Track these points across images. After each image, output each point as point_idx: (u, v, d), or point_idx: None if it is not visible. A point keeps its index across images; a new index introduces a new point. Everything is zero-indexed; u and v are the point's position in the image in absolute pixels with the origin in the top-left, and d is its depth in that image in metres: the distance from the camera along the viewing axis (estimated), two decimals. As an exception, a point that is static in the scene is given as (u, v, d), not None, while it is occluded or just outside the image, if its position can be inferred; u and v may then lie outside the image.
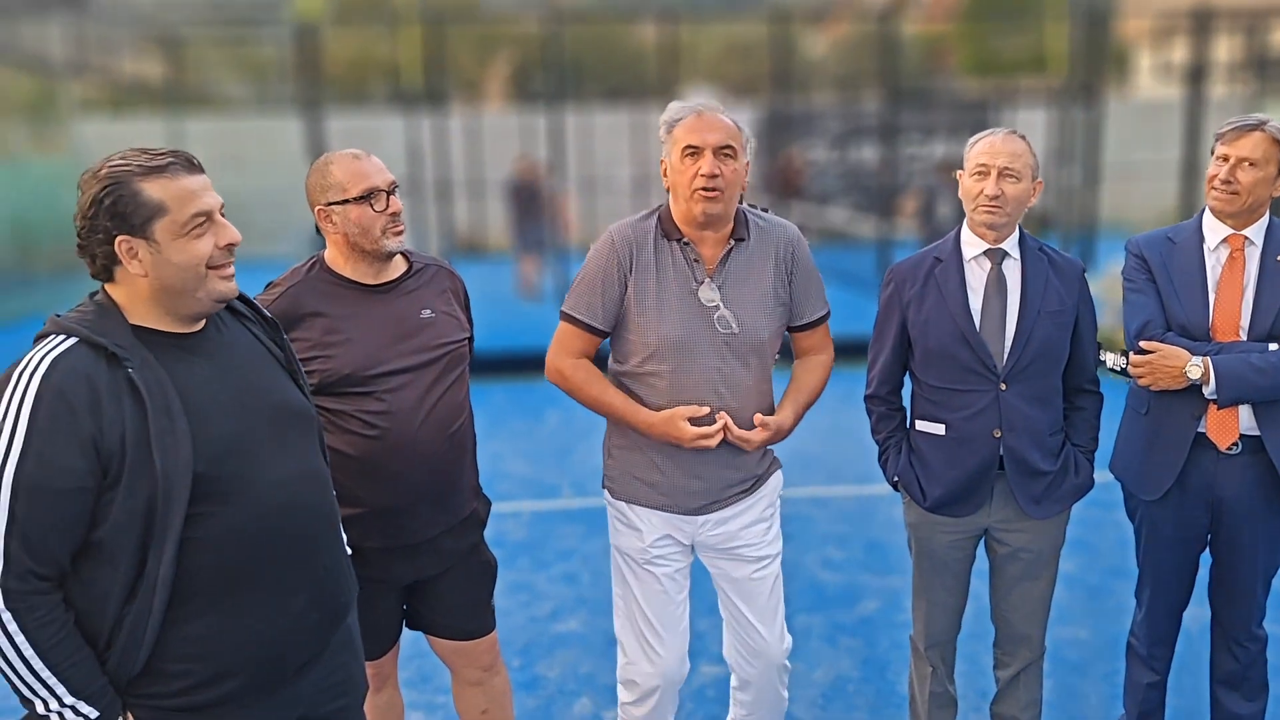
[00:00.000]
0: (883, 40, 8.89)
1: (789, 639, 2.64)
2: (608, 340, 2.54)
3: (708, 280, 2.42)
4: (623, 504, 2.56)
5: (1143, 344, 2.55)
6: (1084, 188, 10.15)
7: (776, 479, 2.63)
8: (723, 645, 2.71)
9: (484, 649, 2.62)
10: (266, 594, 1.74)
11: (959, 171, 2.60)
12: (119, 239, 1.64)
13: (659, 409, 2.42)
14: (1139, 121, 16.11)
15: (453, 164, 15.58)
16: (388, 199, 2.32)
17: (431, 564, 2.47)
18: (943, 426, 2.60)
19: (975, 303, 2.56)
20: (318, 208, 2.35)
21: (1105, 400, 2.67)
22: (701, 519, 2.51)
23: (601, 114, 16.69)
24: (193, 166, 1.70)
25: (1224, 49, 13.59)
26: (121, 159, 1.66)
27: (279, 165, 13.10)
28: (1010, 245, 2.57)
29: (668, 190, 2.46)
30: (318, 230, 2.39)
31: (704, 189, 2.33)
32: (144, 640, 1.63)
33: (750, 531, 2.54)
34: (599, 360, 2.52)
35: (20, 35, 12.25)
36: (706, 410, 2.38)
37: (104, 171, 1.65)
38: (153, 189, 1.64)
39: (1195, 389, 2.50)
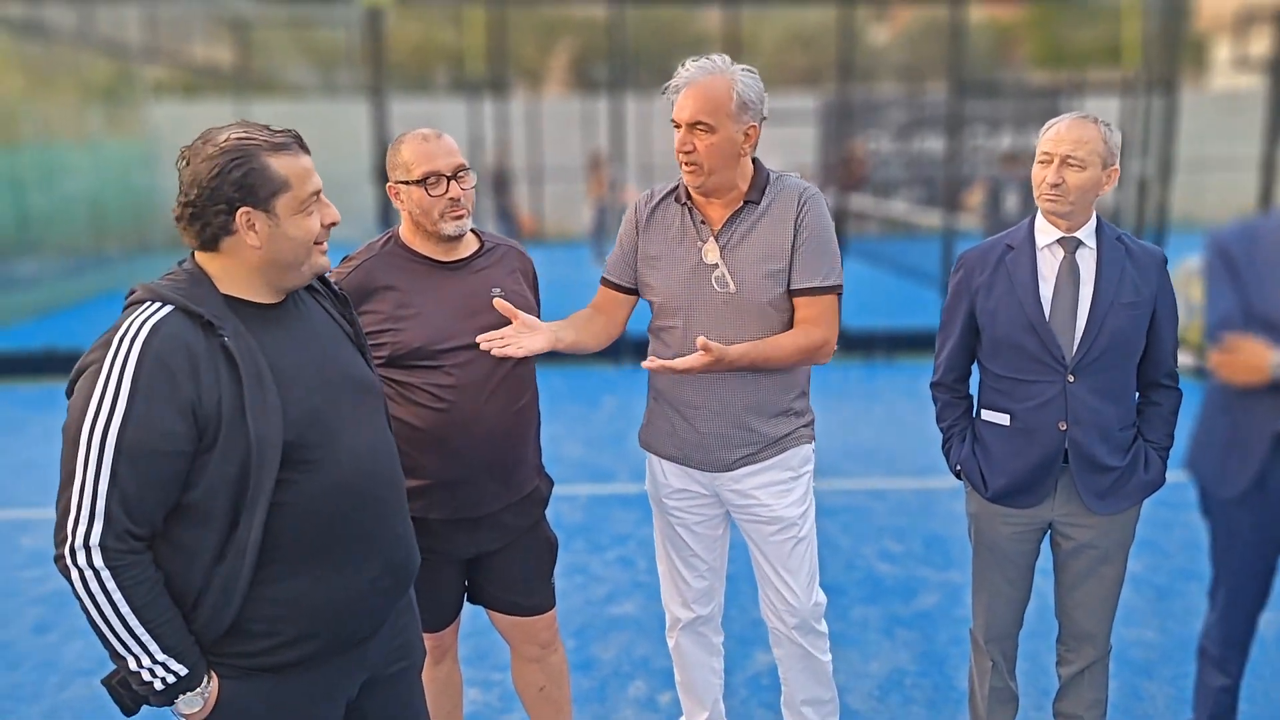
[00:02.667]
0: (950, 28, 8.73)
1: (820, 598, 2.67)
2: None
3: (711, 240, 2.45)
4: (649, 454, 2.68)
5: (1227, 338, 2.47)
6: (1157, 181, 9.87)
7: (803, 453, 2.59)
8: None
9: (543, 626, 2.64)
10: (345, 558, 1.79)
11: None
12: (241, 210, 1.68)
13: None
14: (1215, 114, 15.66)
15: (514, 150, 15.66)
16: (449, 183, 2.34)
17: (493, 538, 2.50)
18: (1007, 416, 2.55)
19: (1046, 292, 2.50)
20: (388, 184, 2.40)
21: (1184, 397, 2.60)
22: (714, 475, 2.56)
23: (662, 101, 16.66)
24: (305, 146, 1.76)
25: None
26: (244, 133, 1.69)
27: (343, 149, 13.28)
28: (1085, 234, 2.51)
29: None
30: (386, 210, 2.44)
31: (683, 163, 2.39)
32: (233, 601, 1.68)
33: (766, 492, 2.55)
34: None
35: (97, 19, 12.57)
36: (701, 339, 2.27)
37: (229, 144, 1.68)
38: (279, 164, 1.69)
39: (1277, 386, 2.42)
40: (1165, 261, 2.56)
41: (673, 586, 2.77)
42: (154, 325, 1.63)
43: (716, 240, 2.45)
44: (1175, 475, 2.65)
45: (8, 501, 5.36)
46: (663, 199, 2.55)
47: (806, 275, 2.44)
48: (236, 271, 1.74)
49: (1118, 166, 2.51)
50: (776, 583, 2.62)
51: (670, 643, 2.86)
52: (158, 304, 1.67)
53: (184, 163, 1.70)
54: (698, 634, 2.81)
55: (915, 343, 8.18)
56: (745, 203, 2.46)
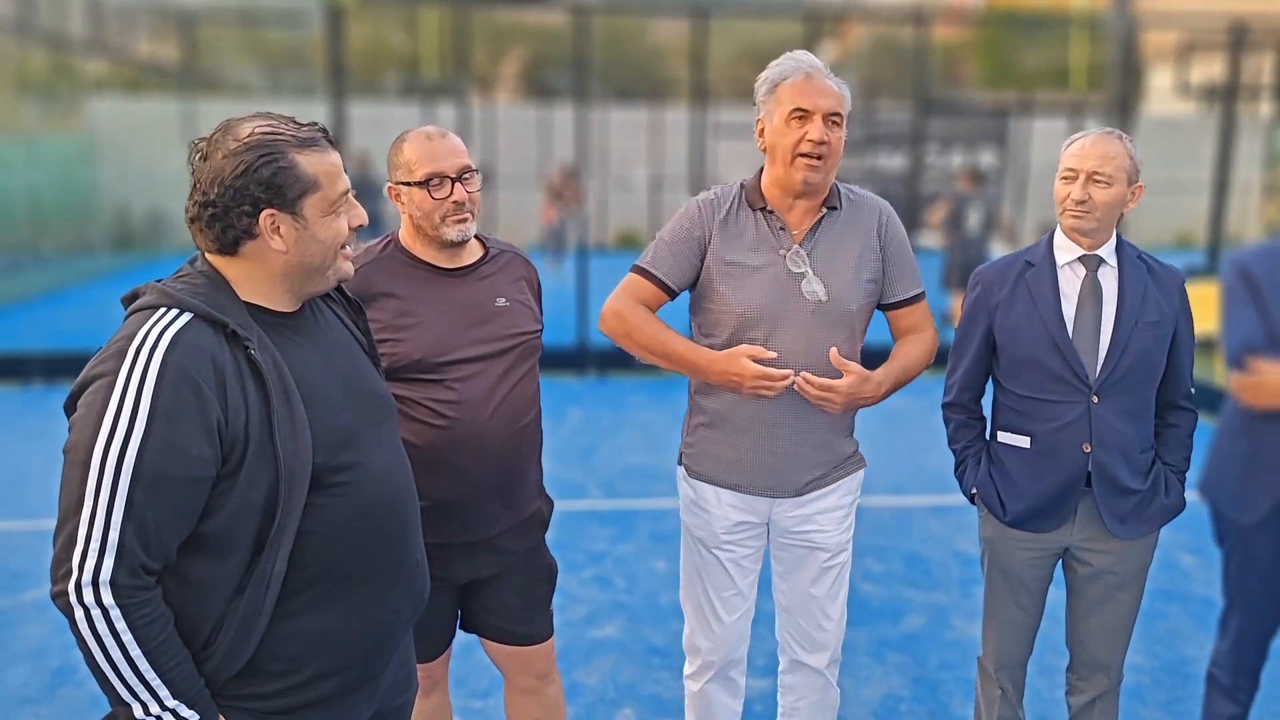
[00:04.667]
0: (914, 50, 8.77)
1: (844, 629, 2.57)
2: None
3: (796, 247, 2.32)
4: (698, 483, 2.47)
5: (1250, 361, 2.43)
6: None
7: (858, 478, 2.53)
8: (776, 628, 2.62)
9: (540, 655, 2.49)
10: (370, 587, 1.65)
11: (1056, 173, 2.48)
12: (266, 212, 1.53)
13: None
14: (1155, 139, 16.03)
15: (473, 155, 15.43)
16: (454, 186, 2.20)
17: (492, 563, 2.35)
18: (1028, 439, 2.48)
19: (1068, 310, 2.44)
20: (387, 185, 2.25)
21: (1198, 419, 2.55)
22: (777, 501, 2.43)
23: (617, 111, 16.60)
24: (333, 141, 1.61)
25: (1250, 69, 13.49)
26: (270, 126, 1.54)
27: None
28: (1106, 252, 2.45)
29: (762, 151, 2.36)
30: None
31: (809, 154, 2.24)
32: (251, 639, 1.52)
33: (827, 517, 2.45)
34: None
35: (38, 10, 12.12)
36: (774, 355, 2.25)
37: (255, 138, 1.52)
38: (308, 162, 1.55)
39: (1299, 409, 2.38)
40: (1184, 281, 2.51)
41: (706, 628, 2.53)
42: (175, 334, 1.46)
43: (800, 247, 2.33)
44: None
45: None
46: (731, 204, 2.38)
47: (905, 285, 2.43)
48: (258, 277, 1.58)
49: (1142, 184, 2.45)
50: (816, 614, 2.49)
51: (693, 688, 2.61)
52: (175, 310, 1.50)
53: (200, 157, 1.53)
54: (728, 679, 2.59)
55: (882, 359, 8.18)
56: (828, 209, 2.35)
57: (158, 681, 1.45)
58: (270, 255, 1.56)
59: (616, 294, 2.40)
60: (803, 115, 2.24)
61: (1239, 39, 8.94)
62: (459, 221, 2.22)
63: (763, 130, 2.33)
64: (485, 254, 2.34)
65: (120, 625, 1.42)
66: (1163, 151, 17.52)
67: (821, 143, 2.22)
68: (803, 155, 2.24)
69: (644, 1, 13.35)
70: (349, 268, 1.66)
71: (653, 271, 2.37)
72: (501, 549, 2.35)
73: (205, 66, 17.47)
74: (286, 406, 1.51)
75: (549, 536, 2.51)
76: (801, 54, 2.31)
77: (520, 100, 19.98)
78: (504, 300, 2.29)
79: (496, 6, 15.47)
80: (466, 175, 2.22)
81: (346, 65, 8.94)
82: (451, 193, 2.20)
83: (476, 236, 2.36)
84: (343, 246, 1.62)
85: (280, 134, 1.53)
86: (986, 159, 14.51)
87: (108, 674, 1.44)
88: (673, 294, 2.41)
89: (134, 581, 1.42)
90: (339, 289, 1.81)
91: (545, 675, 2.52)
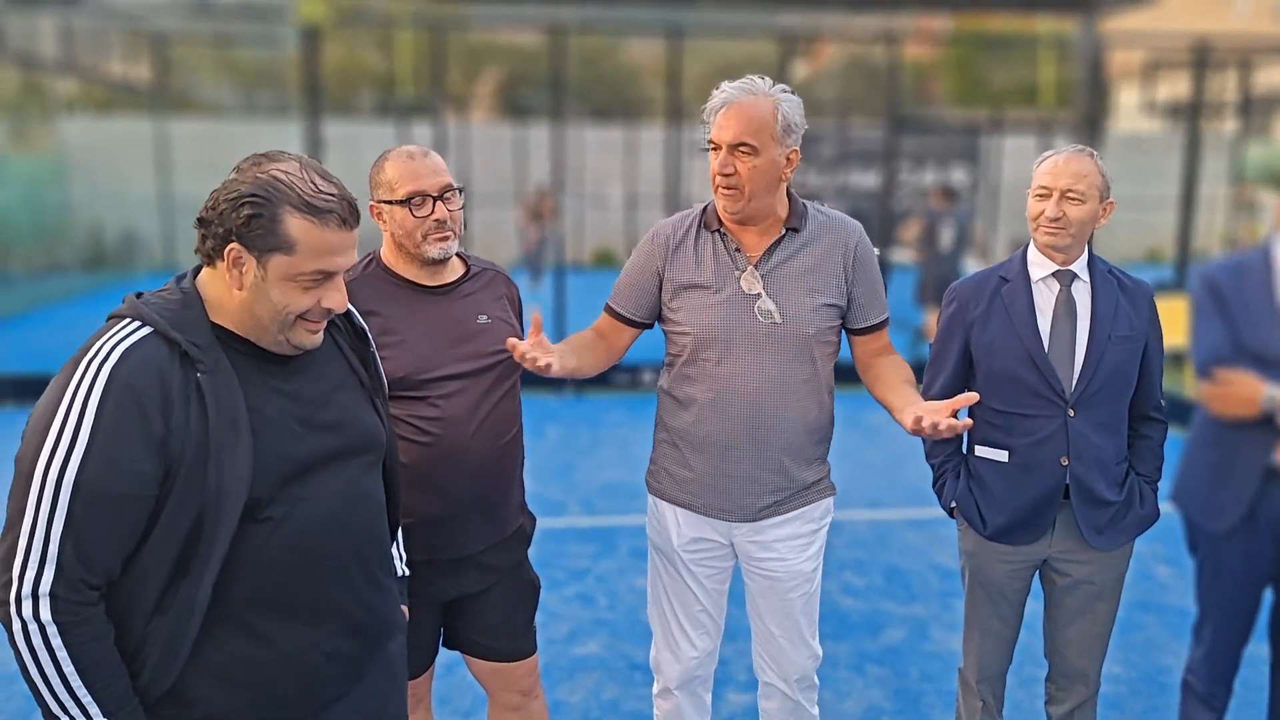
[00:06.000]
0: (887, 68, 8.89)
1: (819, 652, 2.56)
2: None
3: (751, 269, 2.33)
4: (658, 501, 2.50)
5: (1218, 372, 2.48)
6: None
7: (824, 505, 2.51)
8: (751, 652, 2.61)
9: (524, 672, 2.49)
10: (302, 621, 1.62)
11: (1027, 190, 2.52)
12: (232, 245, 1.52)
13: (701, 405, 2.34)
14: (1123, 156, 16.28)
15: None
16: (435, 204, 2.21)
17: (474, 580, 2.35)
18: (1006, 453, 2.51)
19: (1044, 325, 2.48)
20: (370, 203, 2.26)
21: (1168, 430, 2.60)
22: (734, 525, 2.42)
23: (592, 130, 16.67)
24: (349, 220, 1.56)
25: (1214, 87, 13.76)
26: (287, 176, 1.52)
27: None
28: (1079, 267, 2.50)
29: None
30: None
31: (722, 186, 2.28)
32: (174, 662, 1.51)
33: (787, 545, 2.43)
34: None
35: (9, 30, 12.03)
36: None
37: (264, 179, 1.52)
38: (295, 227, 1.51)
39: (1268, 419, 2.43)
40: (1153, 295, 2.56)
41: (672, 646, 2.54)
42: (126, 349, 1.46)
43: (756, 269, 2.34)
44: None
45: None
46: (689, 226, 2.40)
47: (875, 310, 2.45)
48: (226, 301, 1.57)
49: (1113, 200, 2.51)
50: (782, 639, 2.48)
51: (661, 706, 2.61)
52: (137, 324, 1.50)
53: (234, 172, 1.55)
54: (694, 695, 2.60)
55: (852, 374, 8.23)
56: (787, 230, 2.36)
57: (89, 699, 1.45)
58: (224, 283, 1.55)
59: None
60: (717, 147, 2.28)
61: (1202, 58, 9.11)
62: (441, 240, 2.23)
63: None
64: (467, 271, 2.35)
65: (56, 642, 1.42)
66: (1131, 168, 17.79)
67: (726, 174, 2.25)
68: (719, 187, 2.29)
69: (618, 21, 13.45)
70: (310, 340, 1.61)
71: (612, 306, 2.46)
72: (485, 565, 2.35)
73: (178, 86, 17.38)
74: (232, 434, 1.49)
75: (530, 553, 2.51)
76: (735, 83, 2.29)
77: (496, 119, 20.02)
78: (486, 318, 2.30)
79: (471, 26, 15.52)
80: (448, 194, 2.23)
81: (321, 84, 8.93)
82: (433, 211, 2.21)
83: (458, 254, 2.37)
84: (307, 318, 1.57)
85: (291, 187, 1.51)
86: (958, 176, 14.68)
87: (40, 688, 1.45)
88: (638, 325, 2.45)
89: (74, 595, 1.43)
90: (346, 318, 1.79)
91: (529, 692, 2.52)
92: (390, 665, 1.85)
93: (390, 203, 2.22)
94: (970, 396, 2.12)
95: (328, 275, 1.56)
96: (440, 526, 2.25)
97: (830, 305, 2.37)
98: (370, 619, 1.74)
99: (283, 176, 1.52)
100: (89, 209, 14.35)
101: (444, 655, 2.55)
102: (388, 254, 2.29)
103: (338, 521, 1.65)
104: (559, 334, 7.88)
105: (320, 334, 1.63)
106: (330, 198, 1.54)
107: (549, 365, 2.06)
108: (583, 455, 6.41)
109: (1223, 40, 10.71)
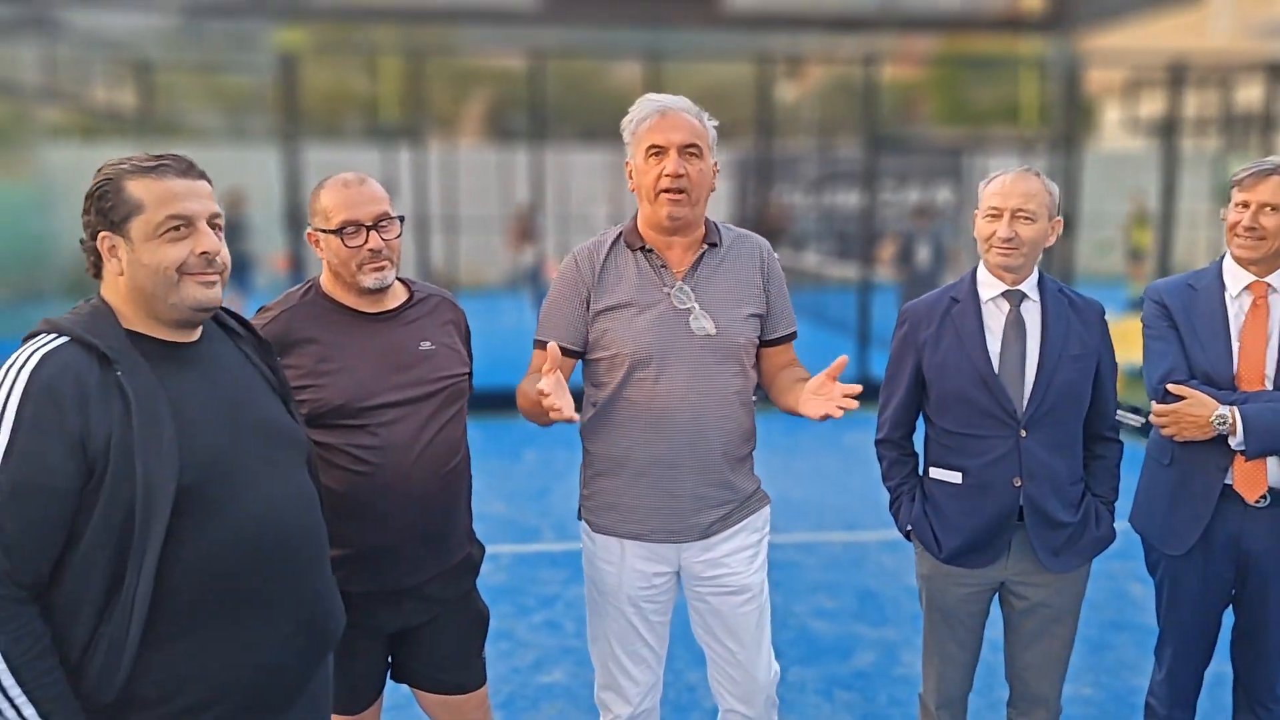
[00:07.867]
0: (864, 87, 8.93)
1: (776, 668, 2.53)
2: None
3: (680, 284, 2.33)
4: (600, 537, 2.44)
5: (1170, 388, 2.46)
6: (1060, 237, 10.22)
7: (764, 514, 2.51)
8: (708, 677, 2.57)
9: (473, 705, 2.45)
10: (251, 616, 1.66)
11: (975, 211, 2.52)
12: (101, 235, 1.64)
13: (641, 427, 2.31)
14: (1107, 172, 16.36)
15: (430, 199, 15.47)
16: (369, 234, 2.19)
17: (419, 611, 2.32)
18: (959, 474, 2.49)
19: (994, 345, 2.46)
20: (307, 231, 2.25)
21: (1124, 449, 2.58)
22: (683, 546, 2.39)
23: (578, 153, 16.71)
24: (188, 171, 1.66)
25: (1192, 104, 13.86)
26: (121, 160, 1.66)
27: (253, 197, 12.91)
28: (1029, 286, 2.49)
29: (633, 193, 2.37)
30: (299, 258, 2.28)
31: (669, 190, 2.25)
32: (121, 665, 1.53)
33: (736, 558, 2.41)
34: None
35: (-10, 58, 12.04)
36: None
37: (104, 170, 1.66)
38: (135, 187, 1.63)
39: (1221, 439, 2.41)
40: (1104, 313, 2.55)
41: (614, 684, 2.49)
42: (43, 356, 1.54)
43: (684, 283, 2.33)
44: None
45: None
46: (610, 248, 2.38)
47: (785, 322, 2.48)
48: (124, 303, 1.66)
49: (1060, 218, 2.50)
50: (742, 658, 2.45)
51: None
52: (53, 335, 1.58)
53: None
54: None
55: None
56: (709, 245, 2.37)
57: (23, 699, 1.47)
58: (116, 279, 1.65)
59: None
60: (659, 151, 2.26)
61: (1178, 76, 9.17)
62: (376, 269, 2.21)
63: (631, 172, 2.35)
64: (410, 298, 2.33)
65: None
66: (1114, 185, 17.88)
67: (678, 175, 2.24)
68: (664, 191, 2.26)
69: (600, 45, 13.52)
70: (202, 295, 1.66)
71: (542, 340, 2.36)
72: (430, 596, 2.32)
73: (163, 112, 17.40)
74: (155, 427, 1.55)
75: (499, 581, 2.48)
76: (659, 95, 2.33)
77: (482, 143, 20.06)
78: (429, 344, 2.28)
79: (458, 51, 15.59)
80: (383, 223, 2.21)
81: (301, 110, 8.93)
82: (367, 240, 2.18)
83: (402, 280, 2.35)
84: (190, 273, 1.63)
85: (122, 164, 1.64)
86: (944, 195, 14.75)
87: None
88: (575, 354, 2.38)
89: (1, 592, 1.45)
90: (247, 327, 1.85)
91: (480, 725, 2.48)
92: (323, 688, 1.88)
93: (325, 231, 2.20)
94: (841, 360, 2.17)
95: (186, 221, 1.64)
96: (381, 557, 2.22)
97: (754, 315, 2.40)
98: (324, 616, 1.80)
99: (118, 161, 1.66)
100: (72, 237, 14.27)
101: (399, 689, 2.50)
102: (326, 281, 2.27)
103: (285, 517, 1.71)
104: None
105: (216, 288, 1.68)
106: (160, 157, 1.66)
107: (573, 415, 2.06)
108: (558, 479, 6.36)
109: (1203, 58, 10.78)
